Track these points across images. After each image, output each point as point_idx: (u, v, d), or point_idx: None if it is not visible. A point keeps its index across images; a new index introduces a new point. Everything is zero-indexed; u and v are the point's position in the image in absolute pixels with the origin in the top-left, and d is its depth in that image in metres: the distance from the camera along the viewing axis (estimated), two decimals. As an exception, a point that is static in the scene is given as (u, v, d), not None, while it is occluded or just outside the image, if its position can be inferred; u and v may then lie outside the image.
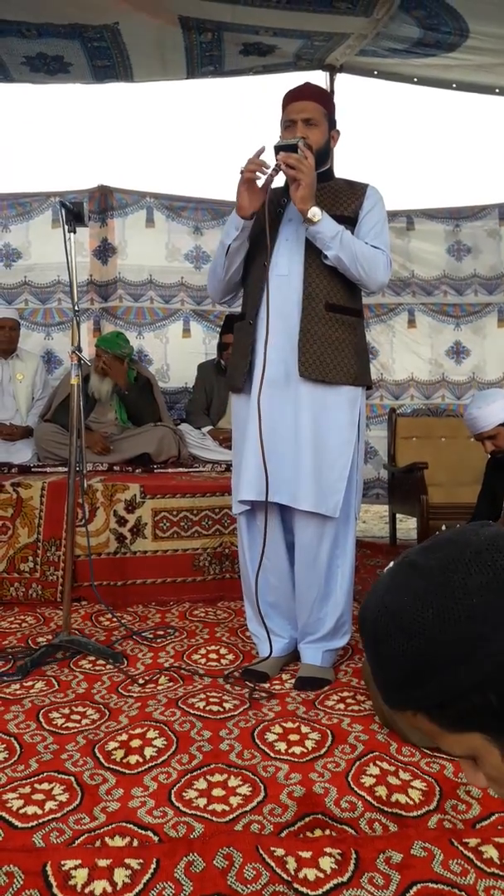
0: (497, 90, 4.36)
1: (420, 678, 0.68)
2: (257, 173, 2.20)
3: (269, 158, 2.22)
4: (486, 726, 0.68)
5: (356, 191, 2.34)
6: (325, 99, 2.36)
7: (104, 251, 4.65)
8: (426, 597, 0.67)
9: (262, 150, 2.22)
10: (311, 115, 2.28)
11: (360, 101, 4.90)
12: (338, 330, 2.27)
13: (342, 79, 4.42)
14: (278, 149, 2.19)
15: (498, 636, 0.65)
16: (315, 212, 2.16)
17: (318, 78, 4.43)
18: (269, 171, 2.20)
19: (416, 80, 4.37)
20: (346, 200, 2.32)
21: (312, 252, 2.26)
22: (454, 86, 4.38)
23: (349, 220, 2.29)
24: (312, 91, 2.33)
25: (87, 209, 2.69)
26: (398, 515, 4.66)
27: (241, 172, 2.22)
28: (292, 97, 2.32)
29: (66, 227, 2.51)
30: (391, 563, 0.75)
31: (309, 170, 2.14)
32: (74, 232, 2.53)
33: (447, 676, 0.66)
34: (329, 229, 2.18)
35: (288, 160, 2.13)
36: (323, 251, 2.22)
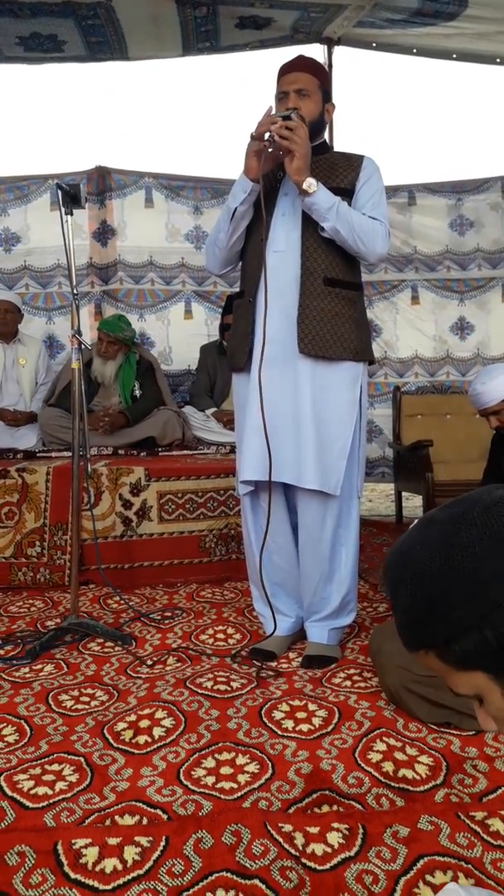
0: (498, 60, 4.29)
1: (428, 618, 0.77)
2: (266, 142, 2.16)
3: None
4: (488, 665, 0.76)
5: (352, 162, 2.31)
6: (318, 70, 2.32)
7: (103, 233, 4.62)
8: (437, 546, 0.77)
9: (269, 110, 2.19)
10: (303, 86, 2.25)
11: (360, 74, 4.84)
12: (337, 304, 2.25)
13: (340, 52, 4.36)
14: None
15: (495, 580, 0.73)
16: (311, 182, 2.13)
17: (316, 51, 4.36)
18: (266, 144, 2.17)
19: (415, 51, 4.30)
20: (342, 172, 2.28)
21: (309, 226, 2.23)
22: (454, 56, 4.30)
23: (346, 192, 2.26)
24: (305, 63, 2.30)
25: (85, 191, 2.67)
26: (404, 494, 4.65)
27: (252, 135, 2.18)
28: (285, 69, 2.29)
29: (64, 209, 2.49)
30: (416, 520, 0.85)
31: (303, 140, 2.11)
32: (72, 214, 2.51)
33: (451, 615, 0.75)
34: (325, 200, 2.16)
35: (281, 132, 2.10)
36: (320, 223, 2.19)
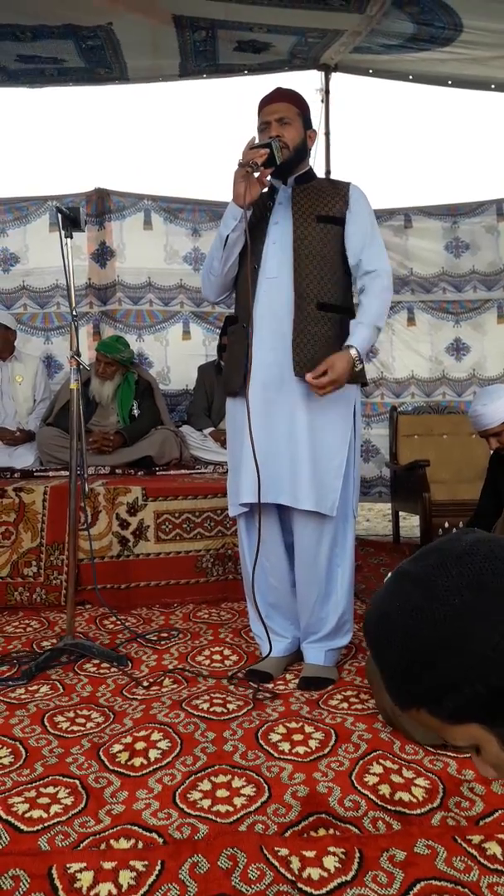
0: (493, 86, 4.36)
1: (416, 675, 0.74)
2: (255, 164, 2.21)
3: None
4: (481, 716, 0.74)
5: (339, 190, 2.37)
6: (296, 99, 2.39)
7: (102, 254, 4.66)
8: (416, 600, 0.74)
9: (252, 140, 2.26)
10: (283, 115, 2.32)
11: (356, 100, 4.91)
12: (331, 329, 2.28)
13: (337, 78, 4.43)
14: (253, 148, 2.22)
15: (479, 630, 0.71)
16: (355, 358, 2.19)
17: (313, 78, 4.44)
18: (249, 169, 2.22)
19: (411, 77, 4.37)
20: (330, 201, 2.34)
21: (301, 253, 2.28)
22: (449, 82, 4.38)
23: (336, 221, 2.32)
24: (283, 93, 2.38)
25: (85, 213, 2.70)
26: (401, 513, 4.66)
27: (239, 163, 2.23)
28: (265, 101, 2.37)
29: (63, 232, 2.52)
30: (389, 574, 0.82)
31: (340, 377, 2.15)
32: (71, 237, 2.54)
33: (439, 671, 0.73)
34: (366, 344, 2.23)
35: (320, 381, 2.14)
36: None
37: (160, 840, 1.49)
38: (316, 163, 2.44)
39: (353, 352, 2.19)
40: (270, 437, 2.24)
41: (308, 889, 1.34)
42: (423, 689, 0.75)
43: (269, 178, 2.33)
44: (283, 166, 2.29)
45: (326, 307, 2.28)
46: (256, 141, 2.27)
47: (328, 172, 4.46)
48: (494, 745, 0.76)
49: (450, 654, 0.72)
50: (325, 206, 2.32)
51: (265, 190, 2.34)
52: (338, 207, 2.33)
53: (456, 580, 0.73)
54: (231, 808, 1.59)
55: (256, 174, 2.23)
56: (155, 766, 1.77)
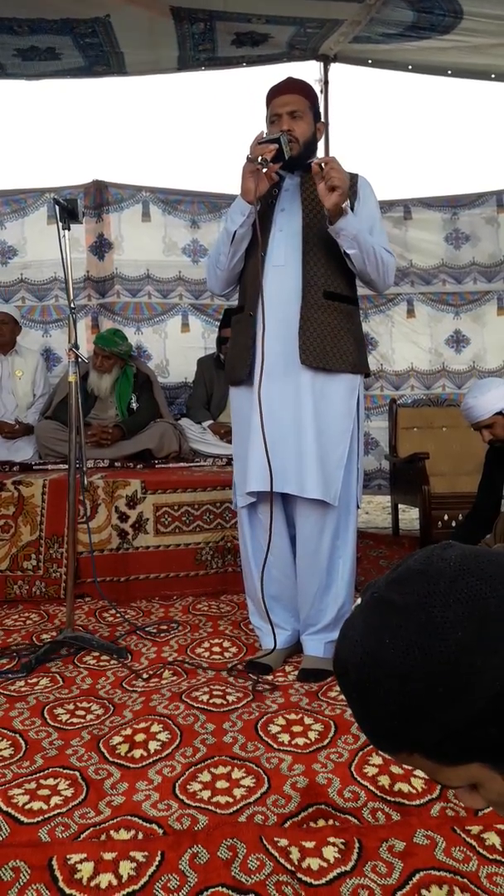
0: (493, 76, 4.34)
1: (415, 720, 0.65)
2: (259, 164, 2.20)
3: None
4: (487, 757, 0.66)
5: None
6: (307, 91, 2.37)
7: (100, 247, 4.64)
8: (409, 636, 0.64)
9: (261, 134, 2.24)
10: (295, 108, 2.30)
11: (355, 91, 4.89)
12: (336, 318, 2.28)
13: (336, 69, 4.41)
14: (261, 143, 2.20)
15: (489, 666, 0.62)
16: (347, 205, 2.18)
17: (312, 68, 4.42)
18: (259, 165, 2.20)
19: (410, 67, 4.34)
20: None
21: (310, 241, 2.27)
22: (449, 72, 4.36)
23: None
24: (295, 84, 2.35)
25: (82, 205, 2.69)
26: (400, 506, 4.66)
27: (248, 158, 2.21)
28: (276, 92, 2.33)
29: (61, 224, 2.51)
30: (358, 600, 0.71)
31: (343, 176, 2.15)
32: (69, 229, 2.53)
33: (444, 715, 0.63)
34: (353, 227, 2.20)
35: (331, 172, 2.13)
36: (345, 248, 2.22)
37: (160, 831, 1.49)
38: (316, 154, 2.41)
39: (346, 206, 2.18)
40: (276, 425, 2.23)
41: (307, 879, 1.35)
42: (420, 734, 0.65)
43: (280, 169, 2.31)
44: (293, 159, 2.27)
45: (333, 296, 2.28)
46: (265, 134, 2.25)
47: (327, 164, 4.44)
48: (498, 783, 0.67)
49: (457, 694, 0.62)
50: None
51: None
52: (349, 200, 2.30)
53: (454, 610, 0.63)
54: (231, 799, 1.60)
55: (265, 170, 2.22)
56: (155, 758, 1.78)
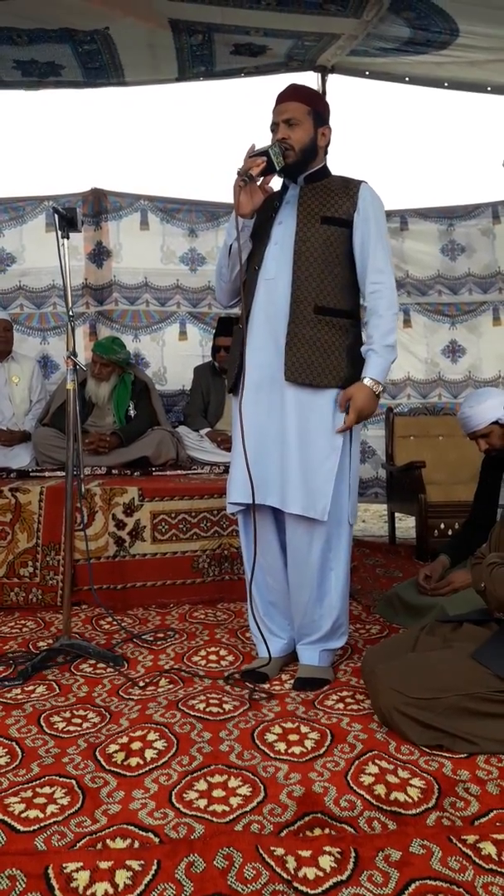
0: (489, 88, 4.37)
1: None
2: (250, 176, 2.21)
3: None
4: None
5: (349, 190, 2.31)
6: (308, 97, 2.35)
7: (99, 254, 4.66)
8: None
9: (252, 148, 2.23)
10: (291, 115, 2.28)
11: (353, 102, 4.92)
12: (328, 333, 2.25)
13: (334, 80, 4.43)
14: (252, 157, 2.22)
15: None
16: (377, 386, 2.25)
17: (310, 79, 4.44)
18: (245, 177, 2.22)
19: (407, 79, 4.38)
20: (337, 201, 2.29)
21: (301, 255, 2.26)
22: (446, 85, 4.39)
23: (341, 222, 2.27)
24: (294, 91, 2.34)
25: (81, 214, 2.70)
26: (397, 514, 4.67)
27: (238, 172, 2.22)
28: (276, 100, 2.33)
29: (60, 232, 2.52)
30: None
31: (363, 409, 2.23)
32: (68, 238, 2.54)
33: None
34: (383, 372, 2.27)
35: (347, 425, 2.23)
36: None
37: (156, 840, 1.49)
38: (322, 159, 2.39)
39: (367, 381, 2.21)
40: (262, 437, 2.24)
41: (304, 888, 1.35)
42: None
43: (282, 178, 2.32)
44: (292, 167, 2.27)
45: (324, 311, 2.25)
46: (256, 147, 2.25)
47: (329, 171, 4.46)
48: None
49: None
50: (331, 206, 2.28)
51: (277, 189, 2.33)
52: (344, 209, 2.28)
53: None
54: (227, 808, 1.60)
55: (258, 182, 2.23)
56: (151, 766, 1.78)
